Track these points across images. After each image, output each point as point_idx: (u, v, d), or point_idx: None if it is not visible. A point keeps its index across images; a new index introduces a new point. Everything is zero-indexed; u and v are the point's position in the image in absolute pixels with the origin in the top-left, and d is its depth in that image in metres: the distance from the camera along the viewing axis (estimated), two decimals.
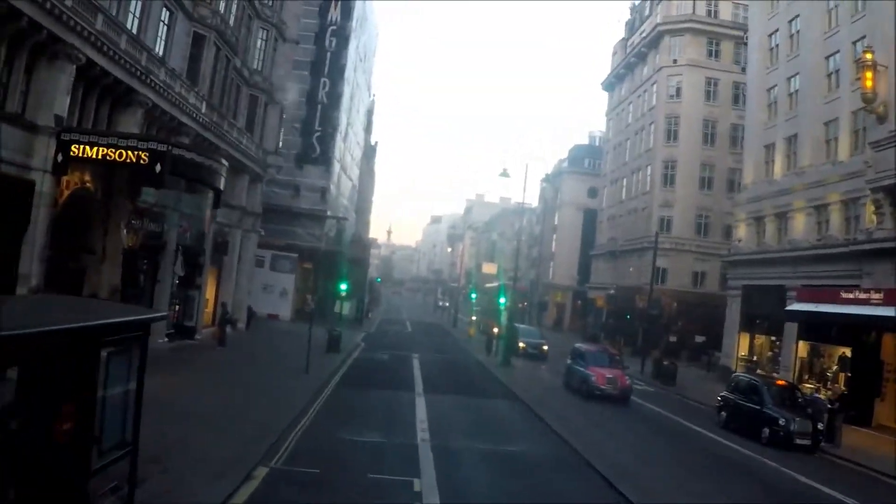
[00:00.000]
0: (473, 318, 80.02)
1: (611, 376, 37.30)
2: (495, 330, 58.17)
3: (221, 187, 31.97)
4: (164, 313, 12.15)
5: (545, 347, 58.36)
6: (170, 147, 25.10)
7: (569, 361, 41.54)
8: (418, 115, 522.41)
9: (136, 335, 11.67)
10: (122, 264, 30.71)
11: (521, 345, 56.06)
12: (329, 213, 73.05)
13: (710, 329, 62.86)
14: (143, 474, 15.31)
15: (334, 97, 74.01)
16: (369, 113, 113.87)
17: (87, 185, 27.51)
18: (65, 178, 25.80)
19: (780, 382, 35.26)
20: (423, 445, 22.85)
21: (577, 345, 43.94)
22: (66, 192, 26.09)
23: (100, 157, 24.82)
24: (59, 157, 24.72)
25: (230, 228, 47.98)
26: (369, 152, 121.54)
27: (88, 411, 10.53)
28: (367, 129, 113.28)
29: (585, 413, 33.58)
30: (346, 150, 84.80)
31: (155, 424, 20.19)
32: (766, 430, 30.14)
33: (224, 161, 32.48)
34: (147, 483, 15.13)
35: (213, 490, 15.74)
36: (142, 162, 24.59)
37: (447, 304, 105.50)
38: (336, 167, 76.37)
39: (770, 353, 50.09)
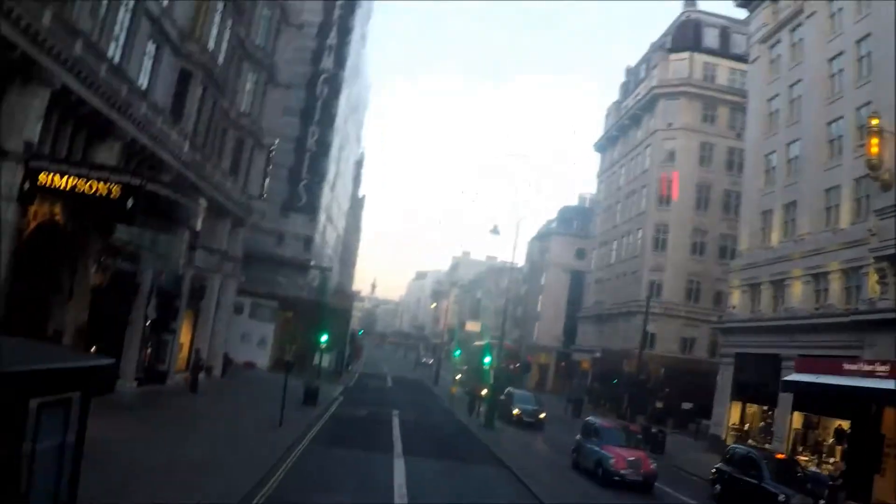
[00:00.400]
0: (458, 376, 77.33)
1: (633, 458, 31.84)
2: (483, 392, 53.52)
3: (198, 228, 30.42)
4: (108, 362, 10.45)
5: (543, 415, 51.76)
6: (143, 182, 23.48)
7: (579, 437, 36.60)
8: (407, 171, 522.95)
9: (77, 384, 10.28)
10: (91, 304, 29.04)
11: (515, 411, 51.39)
12: (313, 262, 71.77)
13: (698, 396, 61.54)
14: None
15: (323, 145, 73.06)
16: (358, 165, 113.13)
17: (57, 217, 25.92)
18: (32, 209, 24.22)
19: (779, 456, 33.16)
20: None
21: (590, 419, 38.36)
22: (33, 224, 24.49)
23: (69, 187, 23.22)
24: (27, 186, 23.12)
25: (209, 273, 46.33)
26: (356, 204, 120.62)
27: (13, 468, 9.01)
28: (356, 181, 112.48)
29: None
30: (334, 199, 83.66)
31: (99, 481, 18.65)
32: None
33: (202, 201, 30.88)
34: None
35: None
36: (112, 196, 23.02)
37: (430, 361, 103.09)
38: (322, 217, 75.15)
39: (762, 423, 48.27)
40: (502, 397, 52.76)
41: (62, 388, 9.83)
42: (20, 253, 23.99)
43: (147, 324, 35.70)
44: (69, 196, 24.14)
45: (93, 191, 23.13)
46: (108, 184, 23.06)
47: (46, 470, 9.74)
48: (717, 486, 32.30)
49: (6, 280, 22.90)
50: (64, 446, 10.17)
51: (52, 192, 23.85)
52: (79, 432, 10.44)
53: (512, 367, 73.52)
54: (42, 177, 23.27)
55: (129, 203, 23.18)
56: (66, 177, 23.33)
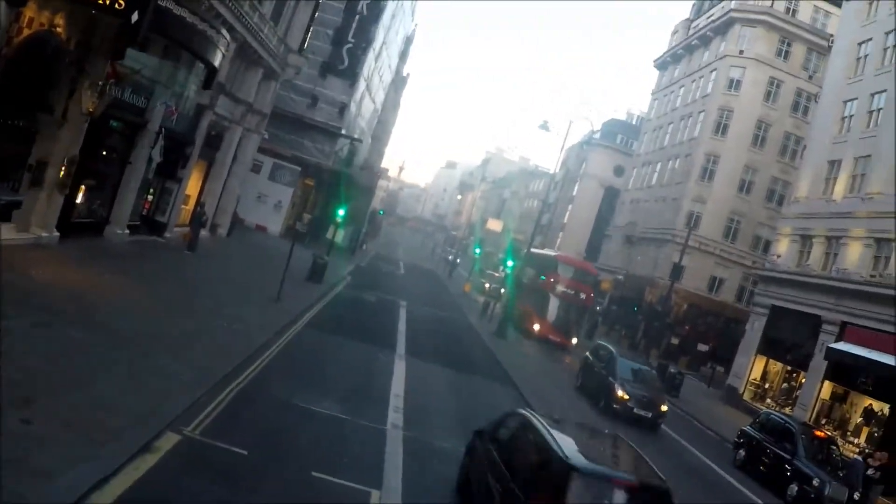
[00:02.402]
0: (487, 285, 66.59)
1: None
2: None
3: (217, 64, 26.91)
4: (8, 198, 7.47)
5: (664, 408, 31.19)
6: None
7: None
8: (455, 60, 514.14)
9: None
10: (87, 135, 25.69)
11: (619, 393, 30.35)
12: (344, 131, 68.09)
13: (716, 340, 59.17)
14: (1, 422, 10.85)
15: (375, 10, 68.80)
16: (407, 41, 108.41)
17: (58, 30, 22.39)
18: (27, 14, 20.74)
19: (819, 433, 29.46)
20: (392, 434, 18.00)
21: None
22: (27, 32, 21.01)
23: None
24: None
25: (230, 123, 42.84)
26: (399, 82, 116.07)
27: None
28: (402, 57, 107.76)
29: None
30: (376, 70, 79.62)
31: (54, 342, 15.72)
32: (795, 488, 25.37)
33: (225, 34, 27.37)
34: None
35: (84, 468, 10.87)
36: (117, 6, 19.46)
37: (458, 260, 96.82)
38: (361, 85, 71.22)
39: (785, 385, 45.39)
40: (591, 359, 34.83)
41: None
42: (6, 63, 20.60)
43: (151, 167, 32.35)
44: (70, 0, 20.60)
45: None
46: None
47: None
48: (742, 452, 29.43)
49: None
50: None
51: None
52: None
53: (576, 292, 50.41)
54: None
55: (135, 17, 19.62)
56: None
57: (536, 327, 49.15)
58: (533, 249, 61.24)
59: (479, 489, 13.83)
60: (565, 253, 69.04)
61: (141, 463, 11.88)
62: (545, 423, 13.21)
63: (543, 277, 51.91)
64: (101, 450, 11.57)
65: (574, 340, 49.67)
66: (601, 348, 35.19)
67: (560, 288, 49.91)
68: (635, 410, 29.89)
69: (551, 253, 62.27)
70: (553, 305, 49.60)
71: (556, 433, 12.69)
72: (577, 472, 11.36)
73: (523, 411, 14.87)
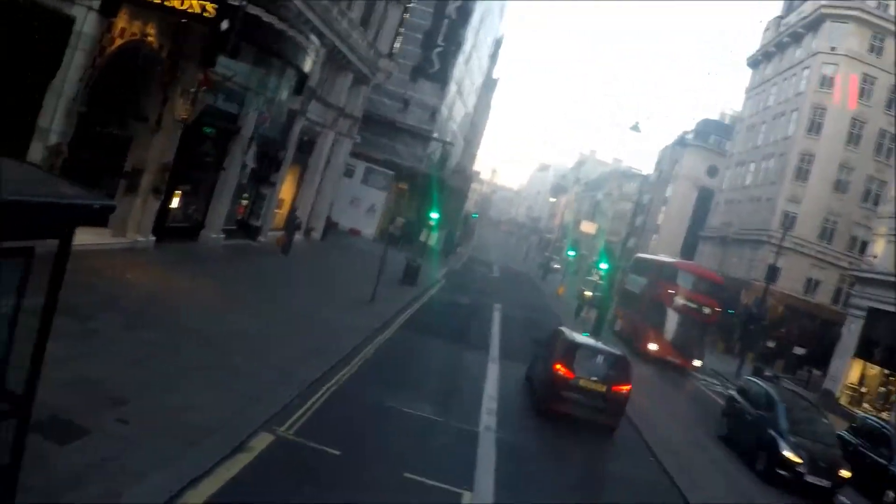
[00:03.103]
0: (586, 293, 58.51)
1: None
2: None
3: (307, 69, 27.02)
4: (102, 202, 7.63)
5: (846, 474, 24.24)
6: (243, 2, 20.03)
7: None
8: (543, 61, 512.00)
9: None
10: (181, 141, 26.05)
11: (787, 454, 22.64)
12: (436, 134, 68.21)
13: (812, 343, 57.73)
14: (92, 423, 11.04)
15: (464, 13, 68.95)
16: (497, 43, 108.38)
17: (149, 39, 22.73)
18: (119, 26, 21.02)
19: None
20: (485, 436, 17.83)
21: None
22: (119, 42, 21.32)
23: (157, 0, 19.99)
24: None
25: (322, 128, 43.17)
26: (489, 84, 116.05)
27: None
28: (492, 59, 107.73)
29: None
30: (467, 73, 79.77)
31: (147, 343, 15.89)
32: (892, 494, 24.25)
33: (315, 39, 27.51)
34: (85, 440, 10.56)
35: (179, 467, 10.91)
36: (206, 14, 19.63)
37: (558, 266, 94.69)
38: (452, 88, 71.37)
39: (883, 389, 44.14)
40: (741, 400, 27.57)
41: (9, 232, 6.60)
42: (101, 74, 20.94)
43: (244, 172, 32.73)
44: (159, 10, 20.83)
45: (184, 6, 19.80)
46: (203, 1, 19.68)
47: None
48: None
49: (76, 99, 19.87)
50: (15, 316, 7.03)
51: (140, 4, 20.59)
52: (49, 300, 7.23)
53: (700, 306, 44.07)
54: None
55: (224, 24, 19.78)
56: None
57: (653, 347, 42.76)
58: (642, 255, 58.23)
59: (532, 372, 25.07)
60: (685, 260, 64.20)
61: (234, 463, 11.86)
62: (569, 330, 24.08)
63: (659, 288, 45.36)
64: (195, 449, 11.63)
65: (698, 363, 43.62)
66: (753, 385, 28.18)
67: (681, 301, 43.63)
68: (808, 478, 22.39)
69: (668, 259, 54.76)
70: (672, 321, 43.36)
71: (572, 333, 23.82)
72: (577, 345, 22.43)
73: (560, 328, 24.68)
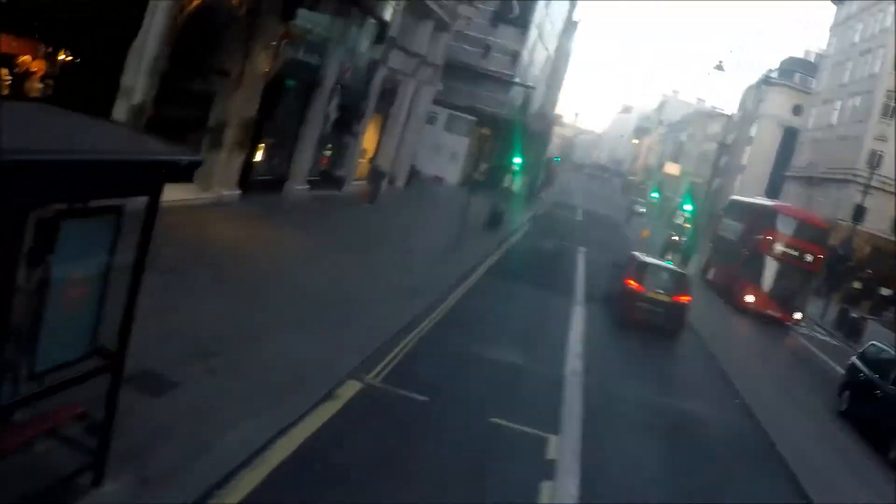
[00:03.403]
0: (675, 237, 56.74)
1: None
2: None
3: (388, 18, 27.08)
4: (189, 158, 7.59)
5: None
6: None
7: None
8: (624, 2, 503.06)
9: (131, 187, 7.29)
10: (263, 95, 26.29)
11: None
12: (517, 79, 67.76)
13: None
14: (186, 374, 11.44)
15: None
16: None
17: None
18: None
19: None
20: (571, 380, 17.87)
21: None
22: (198, 0, 21.58)
23: None
24: None
25: (404, 76, 43.10)
26: (570, 27, 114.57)
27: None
28: (573, 1, 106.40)
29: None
30: (547, 17, 78.88)
31: (233, 295, 16.19)
32: None
33: None
34: (176, 391, 10.85)
35: (268, 416, 11.18)
36: None
37: (643, 210, 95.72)
38: (533, 32, 70.72)
39: None
40: (866, 371, 23.89)
41: (100, 191, 6.75)
42: (182, 32, 21.19)
43: (327, 124, 32.93)
44: None
45: None
46: None
47: (76, 308, 7.01)
48: None
49: (158, 57, 20.14)
50: (107, 275, 7.20)
51: None
52: (139, 258, 7.39)
53: (802, 253, 40.36)
54: None
55: None
56: None
57: (750, 299, 39.68)
58: (738, 197, 54.62)
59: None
60: (785, 202, 56.32)
61: (324, 411, 12.08)
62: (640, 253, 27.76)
63: (757, 234, 41.75)
64: (284, 398, 11.87)
65: (798, 315, 40.20)
66: (881, 352, 24.63)
67: (780, 248, 40.04)
68: None
69: (767, 202, 50.89)
70: (771, 270, 40.02)
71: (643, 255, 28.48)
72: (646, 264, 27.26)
73: (633, 252, 30.10)
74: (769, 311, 39.39)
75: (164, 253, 14.03)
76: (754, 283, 39.84)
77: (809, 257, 40.15)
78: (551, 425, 14.43)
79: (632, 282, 26.38)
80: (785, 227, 40.89)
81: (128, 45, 19.37)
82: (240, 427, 10.46)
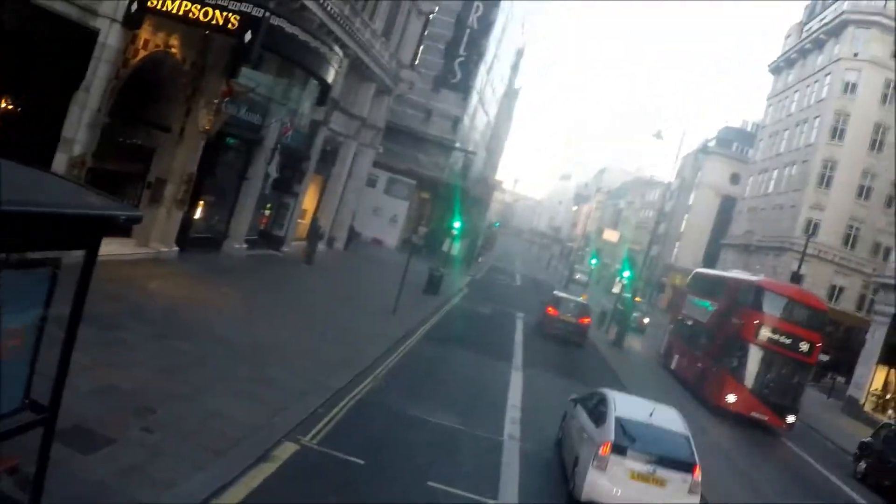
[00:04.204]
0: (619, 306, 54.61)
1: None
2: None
3: (330, 80, 27.04)
4: (129, 213, 7.53)
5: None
6: (266, 14, 20.11)
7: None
8: (566, 71, 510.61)
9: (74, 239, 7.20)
10: (204, 152, 26.20)
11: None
12: (458, 144, 68.32)
13: (837, 350, 57.12)
14: (122, 430, 11.29)
15: (485, 24, 69.16)
16: (519, 54, 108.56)
17: (173, 50, 22.90)
18: (142, 37, 21.20)
19: None
20: (509, 445, 17.78)
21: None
22: (143, 53, 21.47)
23: (180, 12, 19.96)
24: (134, 7, 20.02)
25: (345, 138, 43.33)
26: (511, 94, 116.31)
27: None
28: (514, 69, 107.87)
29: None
30: (488, 83, 79.91)
31: (171, 353, 16.00)
32: None
33: (338, 50, 27.53)
34: (106, 450, 10.62)
35: (204, 475, 10.97)
36: (230, 26, 19.78)
37: (585, 279, 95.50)
38: (474, 98, 71.55)
39: None
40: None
41: (37, 243, 6.65)
42: (124, 84, 21.10)
43: (267, 183, 32.89)
44: (183, 22, 20.95)
45: (207, 18, 19.94)
46: (225, 12, 19.82)
47: (8, 356, 6.76)
48: (862, 464, 28.34)
49: (99, 110, 20.02)
50: (41, 327, 7.07)
51: (164, 16, 20.69)
52: (74, 310, 7.22)
53: (795, 341, 32.84)
54: None
55: (248, 36, 19.91)
56: (178, 0, 20.18)
57: (731, 398, 32.31)
58: (704, 270, 49.45)
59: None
60: (772, 279, 45.78)
61: (259, 472, 11.88)
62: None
63: (736, 317, 35.01)
64: (220, 458, 11.67)
65: (791, 419, 32.33)
66: None
67: (767, 334, 32.79)
68: None
69: (749, 277, 41.19)
70: (756, 363, 32.84)
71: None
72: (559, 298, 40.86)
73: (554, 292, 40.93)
74: (754, 414, 32.17)
75: (100, 307, 13.81)
76: (735, 379, 32.56)
77: (804, 346, 32.66)
78: (490, 490, 14.33)
79: (551, 309, 40.51)
80: (773, 309, 33.64)
81: (70, 96, 19.26)
82: (175, 486, 10.26)
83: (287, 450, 13.15)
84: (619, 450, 14.01)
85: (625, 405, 15.78)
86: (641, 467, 14.01)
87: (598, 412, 15.63)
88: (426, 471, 14.40)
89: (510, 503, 14.13)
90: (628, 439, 14.31)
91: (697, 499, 14.26)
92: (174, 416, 12.59)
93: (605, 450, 14.02)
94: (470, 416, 19.30)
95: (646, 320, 61.01)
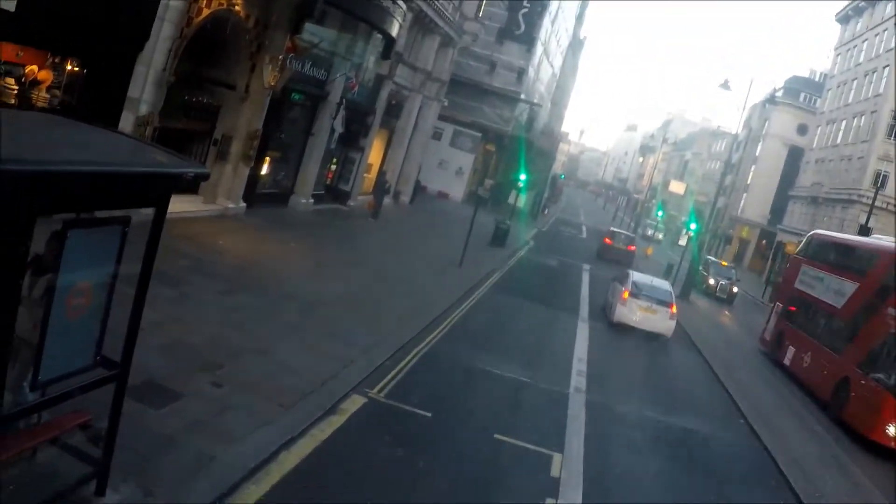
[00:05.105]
0: (712, 280, 52.76)
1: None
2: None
3: (394, 33, 27.00)
4: (196, 169, 7.60)
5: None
6: None
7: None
8: (630, 21, 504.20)
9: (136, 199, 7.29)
10: (270, 108, 26.32)
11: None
12: (523, 96, 67.74)
13: None
14: (191, 385, 11.46)
15: None
16: (583, 3, 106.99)
17: (236, 8, 22.92)
18: None
19: None
20: (575, 398, 17.76)
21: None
22: (206, 12, 21.54)
23: None
24: None
25: (409, 92, 43.29)
26: (576, 45, 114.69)
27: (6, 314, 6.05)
28: (579, 19, 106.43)
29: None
30: (553, 33, 78.87)
31: (239, 308, 16.18)
32: None
33: (401, 3, 27.46)
34: (175, 405, 10.78)
35: (272, 428, 11.12)
36: None
37: (660, 235, 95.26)
38: (539, 49, 70.66)
39: None
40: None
41: (106, 202, 6.74)
42: (190, 44, 21.22)
43: (333, 138, 32.96)
44: None
45: None
46: None
47: (82, 320, 6.96)
48: None
49: (165, 69, 20.17)
50: (112, 286, 7.16)
51: None
52: (145, 269, 7.33)
53: None
54: None
55: None
56: None
57: (894, 431, 20.63)
58: (827, 233, 37.87)
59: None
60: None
61: (327, 425, 12.01)
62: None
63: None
64: (288, 412, 11.81)
65: None
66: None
67: None
68: None
69: None
70: None
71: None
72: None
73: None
74: None
75: (168, 264, 13.99)
76: None
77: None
78: (556, 443, 14.34)
79: (608, 240, 52.05)
80: None
81: (135, 56, 19.42)
82: (242, 440, 10.41)
83: (355, 403, 13.27)
84: (633, 294, 27.42)
85: (638, 275, 29.83)
86: (644, 304, 27.41)
87: (624, 278, 29.27)
88: (492, 423, 14.46)
89: (576, 456, 14.13)
90: (637, 290, 27.74)
91: (675, 321, 28.02)
92: (242, 370, 12.78)
93: (625, 294, 27.46)
94: (536, 369, 19.34)
95: (735, 289, 52.83)
